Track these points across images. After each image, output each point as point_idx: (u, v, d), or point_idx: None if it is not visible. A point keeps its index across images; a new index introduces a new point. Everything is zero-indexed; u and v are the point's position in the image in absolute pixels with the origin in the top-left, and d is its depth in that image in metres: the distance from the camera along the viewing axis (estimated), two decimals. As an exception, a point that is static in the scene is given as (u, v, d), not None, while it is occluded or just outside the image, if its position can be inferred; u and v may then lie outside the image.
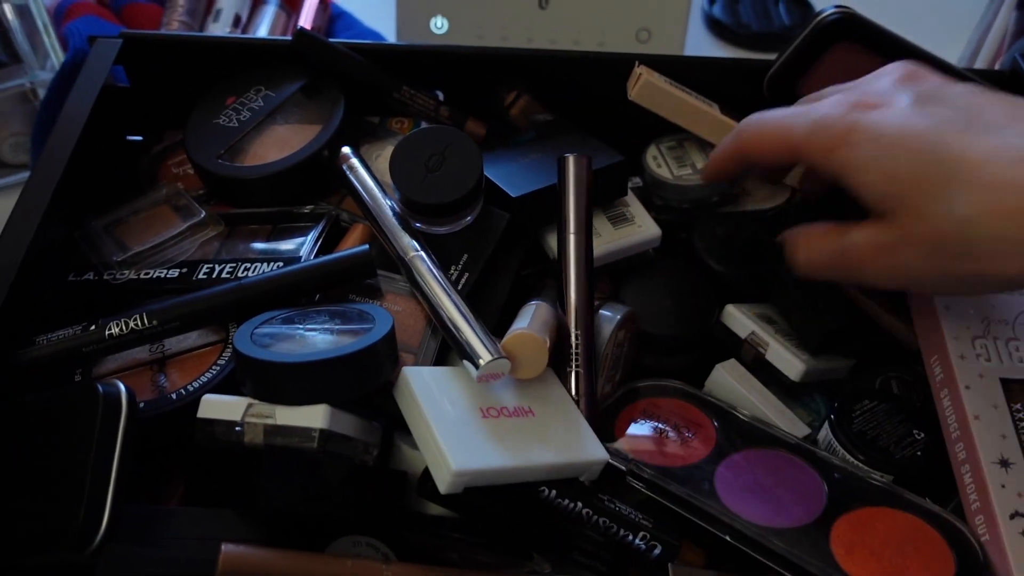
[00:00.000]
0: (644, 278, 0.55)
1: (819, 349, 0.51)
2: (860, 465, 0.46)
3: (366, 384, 0.42)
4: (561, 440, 0.43)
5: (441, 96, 0.62)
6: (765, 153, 0.44)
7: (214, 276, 0.50)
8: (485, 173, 0.52)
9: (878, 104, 0.40)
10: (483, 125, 0.61)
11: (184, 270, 0.51)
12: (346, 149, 0.54)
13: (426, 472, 0.42)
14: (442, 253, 0.49)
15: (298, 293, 0.48)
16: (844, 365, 0.53)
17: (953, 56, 0.78)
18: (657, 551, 0.42)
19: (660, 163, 0.59)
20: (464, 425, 0.42)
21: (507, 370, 0.43)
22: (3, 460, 0.41)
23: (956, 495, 0.44)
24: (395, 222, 0.50)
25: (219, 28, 0.79)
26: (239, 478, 0.44)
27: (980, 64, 0.78)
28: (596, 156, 0.53)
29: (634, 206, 0.56)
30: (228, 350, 0.47)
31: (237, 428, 0.41)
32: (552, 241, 0.52)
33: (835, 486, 0.44)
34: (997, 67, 0.73)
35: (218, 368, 0.46)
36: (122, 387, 0.41)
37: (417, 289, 0.47)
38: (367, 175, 0.52)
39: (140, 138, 0.62)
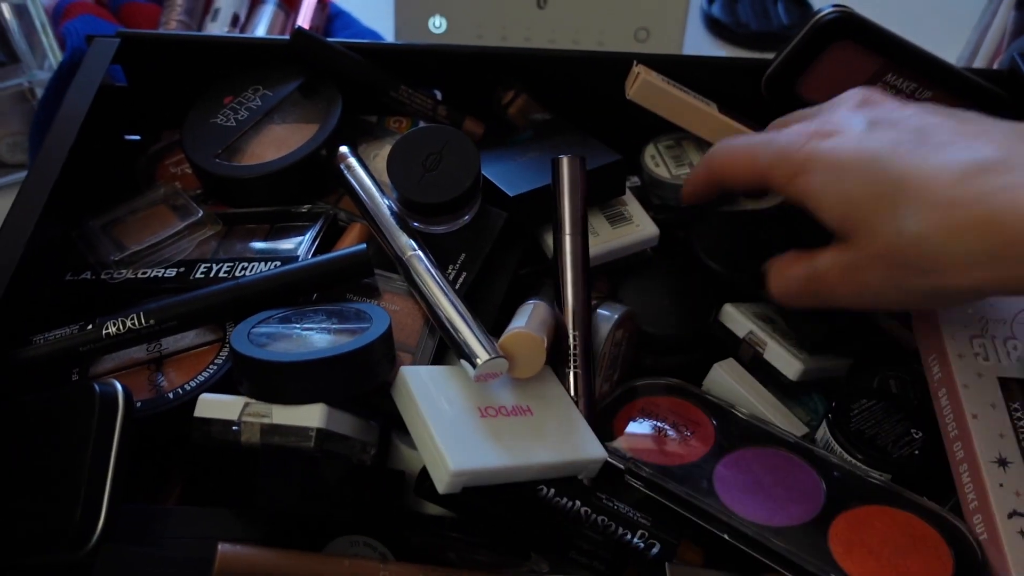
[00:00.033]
0: (642, 277, 0.55)
1: (817, 348, 0.51)
2: (858, 464, 0.46)
3: (363, 383, 0.42)
4: (559, 439, 0.43)
5: (439, 95, 0.62)
6: (735, 180, 0.46)
7: (211, 275, 0.50)
8: (483, 172, 0.52)
9: (833, 132, 0.42)
10: (481, 124, 0.61)
11: (181, 269, 0.51)
12: (344, 148, 0.54)
13: (424, 472, 0.42)
14: (440, 252, 0.49)
15: (295, 292, 0.48)
16: (842, 364, 0.53)
17: (952, 55, 0.78)
18: (656, 550, 0.42)
19: (658, 162, 0.59)
20: (462, 424, 0.42)
21: (505, 369, 0.43)
22: (0, 460, 0.41)
23: (954, 494, 0.44)
24: (393, 221, 0.49)
25: (217, 27, 0.79)
26: (236, 477, 0.44)
27: (979, 63, 0.78)
28: (594, 155, 0.54)
29: (632, 205, 0.56)
30: (225, 349, 0.47)
31: (234, 427, 0.41)
32: (550, 240, 0.52)
33: (833, 485, 0.44)
34: (996, 66, 0.73)
35: (215, 367, 0.46)
36: (119, 386, 0.41)
37: (415, 288, 0.47)
38: (365, 174, 0.52)
39: (138, 137, 0.62)
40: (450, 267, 0.50)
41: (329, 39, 0.59)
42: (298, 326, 0.44)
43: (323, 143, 0.55)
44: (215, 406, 0.41)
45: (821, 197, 0.41)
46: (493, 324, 0.49)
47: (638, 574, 0.43)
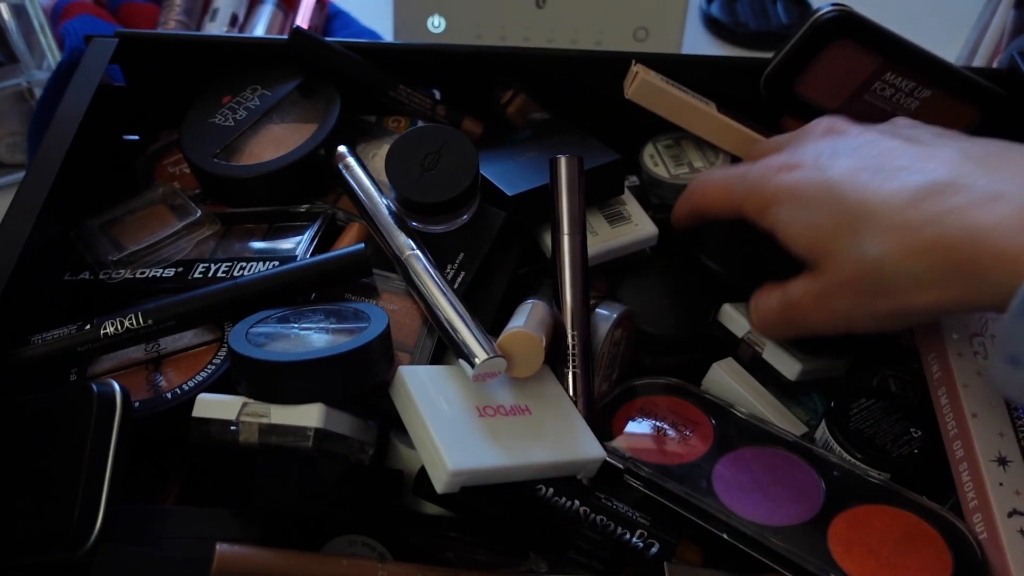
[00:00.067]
0: (641, 277, 0.55)
1: (816, 348, 0.51)
2: (857, 463, 0.46)
3: (362, 383, 0.42)
4: (558, 438, 0.43)
5: (438, 95, 0.62)
6: (714, 211, 0.49)
7: (210, 275, 0.50)
8: (481, 172, 0.52)
9: (798, 165, 0.44)
10: (480, 124, 0.61)
11: (180, 269, 0.51)
12: (342, 148, 0.54)
13: (422, 471, 0.42)
14: (438, 252, 0.49)
15: (294, 292, 0.48)
16: (841, 364, 0.52)
17: (951, 55, 0.78)
18: (655, 549, 0.42)
19: (657, 162, 0.59)
20: (460, 424, 0.41)
21: (503, 369, 0.43)
22: (-2, 460, 0.41)
23: (954, 493, 0.44)
24: (391, 221, 0.49)
25: (216, 27, 0.79)
26: (234, 477, 0.44)
27: (978, 62, 0.78)
28: (593, 155, 0.53)
29: (631, 205, 0.56)
30: (223, 349, 0.47)
31: (232, 427, 0.41)
32: (548, 240, 0.52)
33: (833, 484, 0.44)
34: (995, 65, 0.73)
35: (213, 367, 0.46)
36: (117, 386, 0.41)
37: (413, 288, 0.47)
38: (363, 174, 0.52)
39: (136, 137, 0.62)
40: (448, 267, 0.50)
41: (328, 39, 0.59)
42: (296, 326, 0.44)
43: (322, 143, 0.55)
44: (213, 406, 0.41)
45: (789, 228, 0.43)
46: (492, 324, 0.49)
47: (637, 574, 0.43)
